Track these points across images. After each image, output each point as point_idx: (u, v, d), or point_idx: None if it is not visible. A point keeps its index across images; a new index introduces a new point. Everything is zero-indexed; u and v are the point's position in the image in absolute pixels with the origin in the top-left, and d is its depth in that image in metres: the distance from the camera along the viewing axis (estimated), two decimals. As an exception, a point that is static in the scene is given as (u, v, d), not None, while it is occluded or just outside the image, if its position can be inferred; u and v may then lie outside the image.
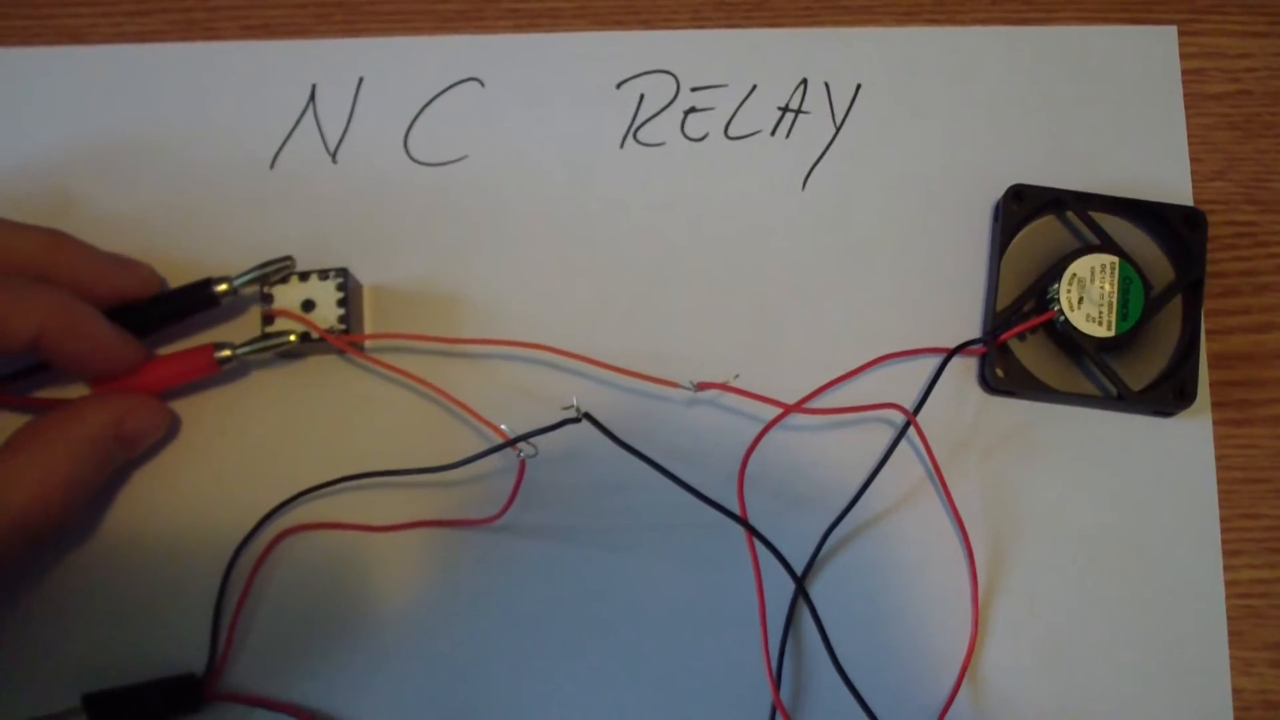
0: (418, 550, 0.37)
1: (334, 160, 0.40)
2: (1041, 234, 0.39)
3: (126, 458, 0.36)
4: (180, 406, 0.37)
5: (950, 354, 0.37)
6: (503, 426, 0.35)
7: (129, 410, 0.35)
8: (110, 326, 0.34)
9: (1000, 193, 0.39)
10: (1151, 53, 0.41)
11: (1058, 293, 0.37)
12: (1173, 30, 0.41)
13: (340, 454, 0.37)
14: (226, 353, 0.36)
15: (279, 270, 0.36)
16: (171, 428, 0.37)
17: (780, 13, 0.42)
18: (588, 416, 0.33)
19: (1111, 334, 0.37)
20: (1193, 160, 0.40)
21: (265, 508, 0.36)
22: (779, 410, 0.36)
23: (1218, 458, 0.38)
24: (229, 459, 0.37)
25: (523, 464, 0.35)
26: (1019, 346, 0.38)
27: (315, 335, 0.36)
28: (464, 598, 0.36)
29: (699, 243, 0.39)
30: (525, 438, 0.34)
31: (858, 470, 0.37)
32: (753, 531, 0.35)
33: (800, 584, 0.35)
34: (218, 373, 0.36)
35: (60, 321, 0.33)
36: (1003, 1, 0.42)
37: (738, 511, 0.35)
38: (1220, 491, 0.37)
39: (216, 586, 0.35)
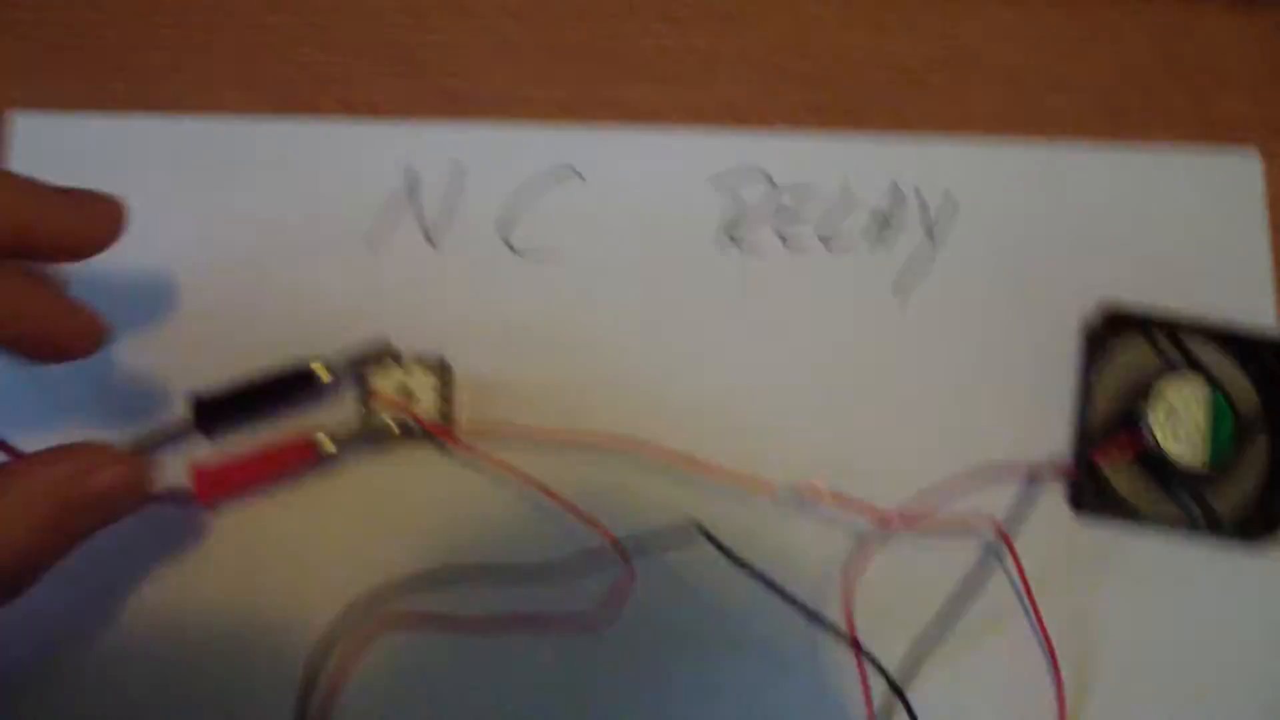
0: (509, 649, 0.36)
1: (432, 245, 0.40)
2: (1131, 355, 0.39)
3: (100, 521, 0.31)
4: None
5: (1040, 473, 0.37)
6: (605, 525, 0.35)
7: (93, 466, 0.30)
8: (56, 299, 0.31)
9: (1090, 310, 0.39)
10: (1234, 178, 0.42)
11: (1148, 416, 0.37)
12: (1255, 155, 0.42)
13: (429, 544, 0.37)
14: (330, 446, 0.35)
15: (378, 354, 0.36)
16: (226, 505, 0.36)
17: (866, 117, 0.42)
18: (700, 529, 0.33)
19: (1202, 463, 0.37)
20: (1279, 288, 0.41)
21: (349, 596, 0.36)
22: (869, 517, 0.36)
23: (1307, 588, 0.38)
24: (311, 546, 0.37)
25: (634, 571, 0.34)
26: (1108, 467, 0.38)
27: (417, 427, 0.36)
28: (559, 704, 0.36)
29: (791, 348, 0.40)
30: (638, 550, 0.33)
31: (942, 583, 0.37)
32: (864, 654, 0.35)
33: (903, 697, 0.35)
34: (320, 465, 0.36)
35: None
36: (1090, 117, 0.43)
37: (843, 629, 0.35)
38: (1310, 623, 0.38)
39: (297, 680, 0.35)
